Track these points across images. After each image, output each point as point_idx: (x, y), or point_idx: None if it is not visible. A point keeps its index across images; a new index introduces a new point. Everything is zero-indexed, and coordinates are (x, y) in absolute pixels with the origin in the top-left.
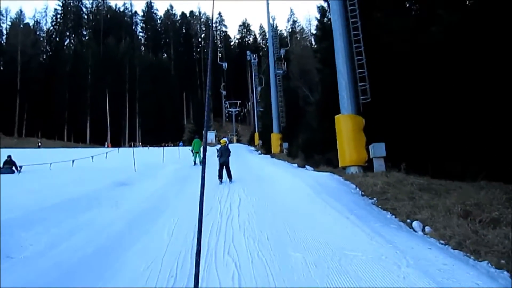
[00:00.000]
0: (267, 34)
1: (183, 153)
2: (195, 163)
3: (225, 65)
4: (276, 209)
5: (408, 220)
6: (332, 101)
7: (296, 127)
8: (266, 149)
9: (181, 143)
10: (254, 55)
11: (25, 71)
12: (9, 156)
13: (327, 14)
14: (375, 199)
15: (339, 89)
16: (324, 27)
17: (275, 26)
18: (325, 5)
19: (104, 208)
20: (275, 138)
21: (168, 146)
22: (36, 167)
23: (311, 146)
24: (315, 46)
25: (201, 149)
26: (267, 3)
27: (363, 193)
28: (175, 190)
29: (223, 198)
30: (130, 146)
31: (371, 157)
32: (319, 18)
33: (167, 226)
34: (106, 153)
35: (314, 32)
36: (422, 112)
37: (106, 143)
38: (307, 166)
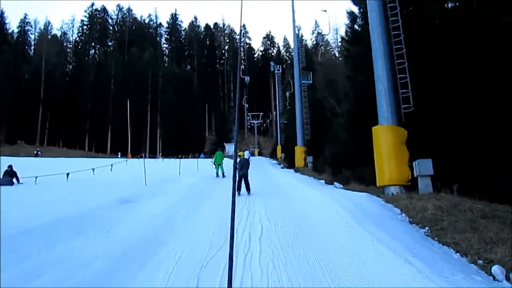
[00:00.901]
0: (291, 46)
1: (203, 165)
2: (217, 175)
3: (247, 78)
4: (308, 243)
5: (480, 261)
6: (365, 111)
7: (321, 140)
8: (289, 162)
9: (202, 155)
10: (278, 66)
11: (49, 80)
12: (10, 166)
13: (358, 20)
14: (427, 228)
15: (377, 97)
16: (356, 32)
17: (300, 36)
18: (355, 9)
19: (94, 235)
20: (299, 151)
21: (186, 157)
22: (27, 179)
23: (339, 161)
24: (343, 52)
25: (223, 161)
26: (292, 4)
27: (410, 219)
28: (186, 210)
29: (241, 224)
30: (140, 157)
31: (415, 175)
32: (349, 24)
33: (165, 267)
34: (112, 165)
35: (344, 37)
36: (477, 123)
37: (119, 153)
38: (335, 183)
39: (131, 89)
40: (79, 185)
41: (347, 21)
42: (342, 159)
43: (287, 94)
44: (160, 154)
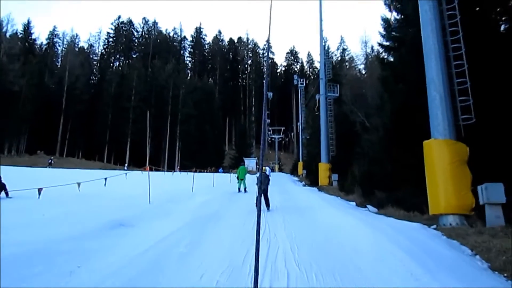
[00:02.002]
0: (315, 60)
1: (220, 180)
2: (239, 190)
3: (270, 94)
4: None
5: None
6: (405, 124)
7: (348, 157)
8: (311, 180)
9: (220, 169)
10: (302, 80)
11: (71, 91)
12: None
13: (393, 25)
14: None
15: (430, 106)
16: (395, 37)
17: (326, 47)
18: (389, 15)
19: (43, 282)
20: (323, 168)
21: (202, 172)
22: (19, 193)
23: (371, 181)
24: (375, 61)
25: (246, 176)
26: (320, 11)
27: (489, 265)
28: (187, 241)
29: (259, 269)
30: (147, 170)
31: (481, 203)
32: (382, 33)
33: None
34: (105, 178)
35: (378, 43)
36: None
37: (125, 165)
38: (369, 206)
39: (152, 101)
40: (76, 202)
41: (381, 29)
42: (374, 179)
43: (317, 97)
44: (178, 167)
